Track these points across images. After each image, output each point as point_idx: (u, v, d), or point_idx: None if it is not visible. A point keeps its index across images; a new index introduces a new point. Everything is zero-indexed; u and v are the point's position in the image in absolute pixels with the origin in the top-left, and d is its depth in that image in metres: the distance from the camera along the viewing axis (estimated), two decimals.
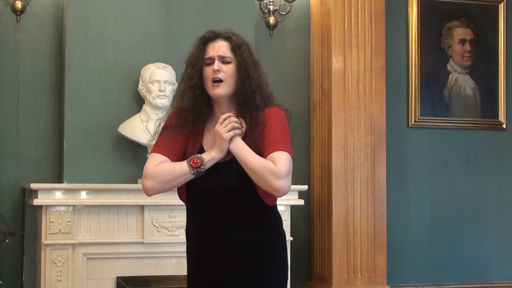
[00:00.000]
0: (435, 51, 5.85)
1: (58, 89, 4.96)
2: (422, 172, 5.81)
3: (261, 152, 2.55)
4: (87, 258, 4.57)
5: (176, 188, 2.70)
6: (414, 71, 5.78)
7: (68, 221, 4.49)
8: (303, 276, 5.48)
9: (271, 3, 5.45)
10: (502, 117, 5.98)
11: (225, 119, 2.59)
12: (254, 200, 2.60)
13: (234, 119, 2.60)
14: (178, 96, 2.72)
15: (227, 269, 2.62)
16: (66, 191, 4.55)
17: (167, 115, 2.75)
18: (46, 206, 4.49)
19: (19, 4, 4.91)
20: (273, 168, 2.49)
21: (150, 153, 2.69)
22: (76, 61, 4.77)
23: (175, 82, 4.68)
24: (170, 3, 4.98)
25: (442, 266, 5.79)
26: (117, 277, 4.61)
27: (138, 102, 4.81)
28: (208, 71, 2.64)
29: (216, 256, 2.62)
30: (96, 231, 4.57)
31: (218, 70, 2.62)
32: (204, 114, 2.68)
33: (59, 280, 4.48)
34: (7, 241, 4.43)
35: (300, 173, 5.32)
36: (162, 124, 2.73)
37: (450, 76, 5.88)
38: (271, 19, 5.49)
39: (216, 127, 2.59)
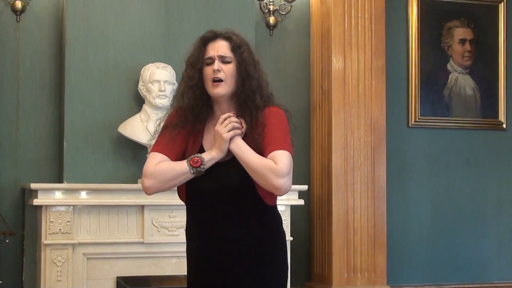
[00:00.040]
0: (435, 51, 5.85)
1: (58, 89, 4.96)
2: (422, 172, 5.81)
3: (261, 151, 2.55)
4: (87, 258, 4.57)
5: (176, 188, 2.70)
6: (414, 71, 5.77)
7: (68, 221, 4.49)
8: (303, 276, 5.47)
9: (271, 3, 5.45)
10: (502, 117, 5.98)
11: (225, 119, 2.59)
12: (254, 200, 2.60)
13: (234, 119, 2.60)
14: (178, 95, 2.72)
15: (227, 269, 2.61)
16: (66, 191, 4.55)
17: (167, 114, 2.75)
18: (46, 206, 4.49)
19: (19, 4, 4.90)
20: (274, 166, 2.49)
21: (150, 152, 2.69)
22: (76, 61, 4.77)
23: (175, 82, 4.68)
24: (170, 3, 4.98)
25: (442, 266, 5.79)
26: (117, 277, 4.61)
27: (138, 102, 4.81)
28: (208, 71, 2.64)
29: (216, 256, 2.62)
30: (96, 231, 4.57)
31: (218, 70, 2.62)
32: (204, 114, 2.68)
33: (59, 280, 4.47)
34: (7, 241, 4.43)
35: (300, 173, 5.32)
36: (162, 124, 2.73)
37: (450, 76, 5.88)
38: (271, 19, 5.48)
39: (216, 127, 2.59)
